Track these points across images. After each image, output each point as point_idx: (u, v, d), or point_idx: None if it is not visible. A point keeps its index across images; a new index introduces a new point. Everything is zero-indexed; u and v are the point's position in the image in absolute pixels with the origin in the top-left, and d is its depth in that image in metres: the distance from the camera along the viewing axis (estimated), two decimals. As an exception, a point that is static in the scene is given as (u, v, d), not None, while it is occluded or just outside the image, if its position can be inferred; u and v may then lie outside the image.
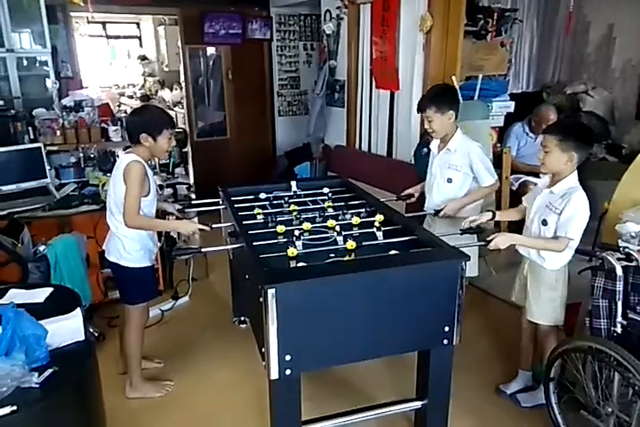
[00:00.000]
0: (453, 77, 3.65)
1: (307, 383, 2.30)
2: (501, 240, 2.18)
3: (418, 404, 2.15)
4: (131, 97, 8.64)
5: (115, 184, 2.29)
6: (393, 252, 2.09)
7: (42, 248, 2.70)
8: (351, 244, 2.14)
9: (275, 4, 5.56)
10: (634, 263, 1.97)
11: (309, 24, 5.74)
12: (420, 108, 2.68)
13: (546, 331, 2.37)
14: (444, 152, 2.74)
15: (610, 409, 1.97)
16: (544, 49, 5.62)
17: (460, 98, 3.70)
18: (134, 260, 2.38)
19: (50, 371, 1.47)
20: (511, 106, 3.85)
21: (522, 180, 4.10)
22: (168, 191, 3.94)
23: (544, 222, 2.22)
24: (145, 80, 8.98)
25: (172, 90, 7.71)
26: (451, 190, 2.73)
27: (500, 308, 3.24)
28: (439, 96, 2.66)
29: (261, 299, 1.73)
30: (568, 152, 2.11)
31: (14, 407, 1.34)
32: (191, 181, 5.59)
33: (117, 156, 3.74)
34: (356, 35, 4.43)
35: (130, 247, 2.36)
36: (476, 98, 3.75)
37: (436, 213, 2.64)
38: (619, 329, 1.98)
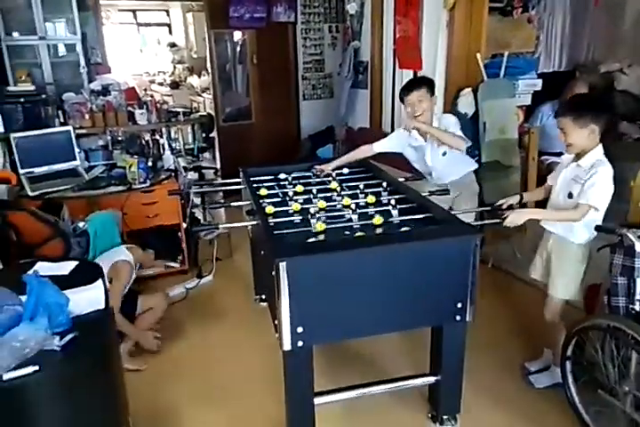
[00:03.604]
0: (478, 55, 3.57)
1: (320, 356, 2.34)
2: (516, 217, 2.16)
3: (431, 379, 2.17)
4: (161, 84, 8.77)
5: None
6: (406, 228, 2.09)
7: (81, 224, 2.77)
8: (378, 219, 2.17)
9: (300, -14, 5.51)
10: (655, 240, 1.92)
11: (334, 5, 5.66)
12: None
13: (558, 306, 2.32)
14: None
15: (627, 388, 1.94)
16: (577, 26, 5.38)
17: (485, 76, 3.64)
18: None
19: (71, 335, 1.54)
20: (538, 84, 3.74)
21: (549, 161, 4.01)
22: (192, 175, 4.02)
23: (569, 195, 2.18)
24: (175, 67, 9.09)
25: (200, 76, 7.79)
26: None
27: (524, 290, 3.20)
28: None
29: (274, 272, 1.77)
30: (587, 126, 2.08)
31: (37, 367, 1.43)
32: (218, 165, 5.68)
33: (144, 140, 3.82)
34: (379, 14, 4.38)
35: None
36: (501, 76, 3.66)
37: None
38: (637, 307, 1.94)
